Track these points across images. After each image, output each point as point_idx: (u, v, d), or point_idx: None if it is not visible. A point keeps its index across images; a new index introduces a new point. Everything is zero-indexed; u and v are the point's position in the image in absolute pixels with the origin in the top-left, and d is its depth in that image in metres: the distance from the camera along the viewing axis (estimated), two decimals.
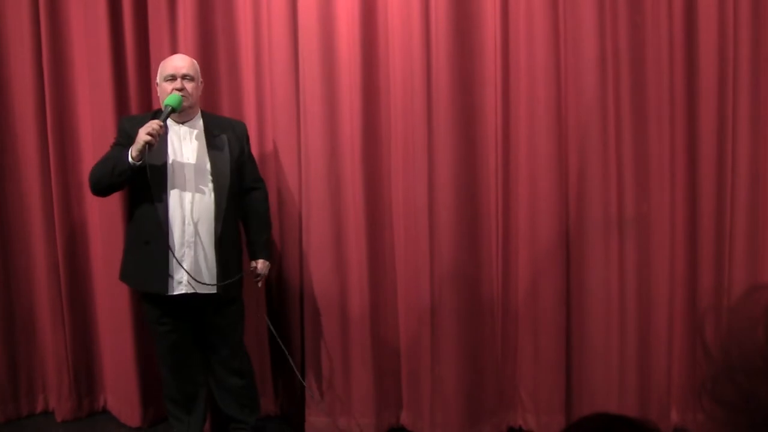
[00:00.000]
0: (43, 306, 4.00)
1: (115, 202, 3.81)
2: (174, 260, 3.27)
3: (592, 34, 3.58)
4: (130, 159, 3.16)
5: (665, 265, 3.68)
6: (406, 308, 3.81)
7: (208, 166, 3.35)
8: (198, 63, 3.66)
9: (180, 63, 3.39)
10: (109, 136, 3.76)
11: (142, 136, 3.13)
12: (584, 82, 3.62)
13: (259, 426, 3.56)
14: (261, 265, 3.50)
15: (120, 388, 3.98)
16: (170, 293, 3.29)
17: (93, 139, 3.88)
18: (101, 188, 3.33)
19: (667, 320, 3.72)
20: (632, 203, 3.64)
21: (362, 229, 3.74)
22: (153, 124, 3.15)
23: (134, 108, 3.84)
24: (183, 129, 3.41)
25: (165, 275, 3.27)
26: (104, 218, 3.89)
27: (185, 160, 3.34)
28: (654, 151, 3.63)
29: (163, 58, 3.73)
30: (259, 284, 3.56)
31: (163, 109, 3.28)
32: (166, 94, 3.32)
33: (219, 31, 3.79)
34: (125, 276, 3.45)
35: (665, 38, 3.61)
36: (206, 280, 3.31)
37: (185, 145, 3.37)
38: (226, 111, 3.81)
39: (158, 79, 3.44)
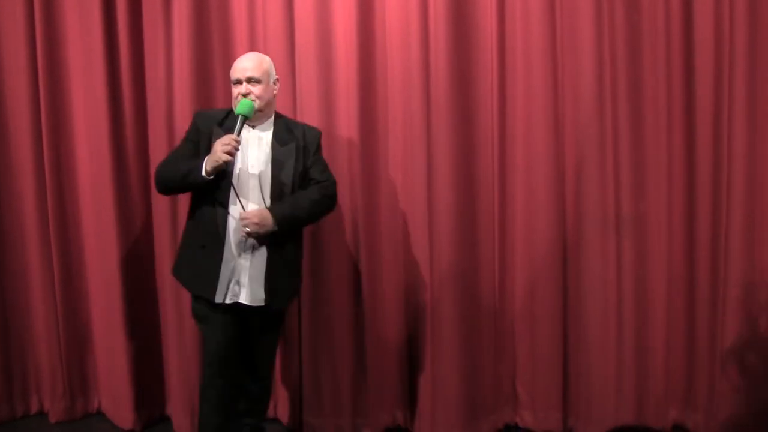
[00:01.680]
0: (37, 306, 3.98)
1: (108, 202, 3.79)
2: (226, 268, 3.13)
3: (589, 34, 3.59)
4: (203, 172, 3.02)
5: (662, 263, 3.69)
6: (404, 307, 3.80)
7: (271, 176, 3.19)
8: (193, 63, 3.66)
9: (245, 64, 3.21)
10: (103, 136, 3.77)
11: (220, 154, 2.98)
12: (581, 82, 3.63)
13: (257, 426, 3.54)
14: (253, 212, 3.12)
15: (113, 390, 3.96)
16: (219, 301, 3.15)
17: (87, 139, 3.86)
18: (167, 189, 3.23)
19: (665, 317, 3.73)
20: (629, 202, 3.65)
21: (359, 228, 3.72)
22: (231, 142, 2.99)
23: (128, 107, 3.82)
24: (252, 133, 3.23)
25: (214, 282, 3.13)
26: (99, 219, 3.87)
27: (250, 168, 3.16)
28: (651, 150, 3.64)
29: (158, 58, 3.76)
30: (245, 229, 3.14)
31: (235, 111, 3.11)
32: (233, 97, 3.19)
33: (214, 30, 3.76)
34: (178, 272, 3.31)
35: (662, 38, 3.62)
36: (258, 292, 3.16)
37: (252, 151, 3.19)
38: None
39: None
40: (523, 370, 3.89)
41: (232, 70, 3.23)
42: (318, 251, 3.74)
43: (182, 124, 3.64)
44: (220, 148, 2.99)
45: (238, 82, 3.18)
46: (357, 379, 3.81)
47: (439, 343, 3.75)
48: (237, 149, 3.01)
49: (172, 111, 3.73)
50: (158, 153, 3.76)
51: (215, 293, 3.13)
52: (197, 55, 3.70)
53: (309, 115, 3.68)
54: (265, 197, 3.17)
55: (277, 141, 3.23)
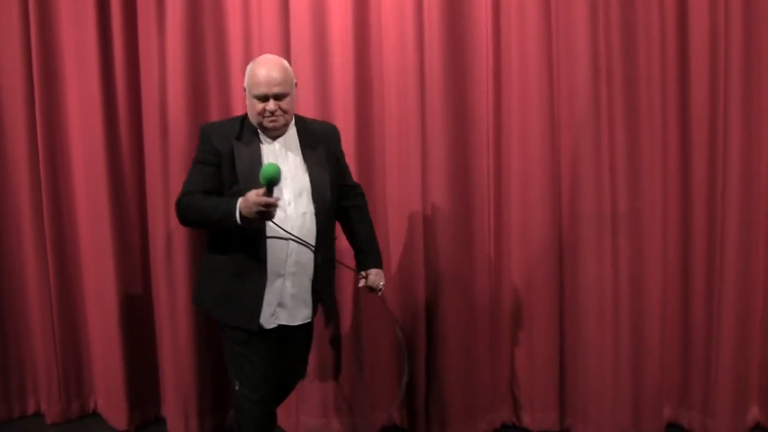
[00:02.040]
0: (32, 307, 3.98)
1: (103, 203, 3.79)
2: (269, 293, 2.94)
3: (584, 32, 3.57)
4: (238, 220, 2.75)
5: (658, 260, 3.68)
6: (400, 307, 3.79)
7: (309, 187, 2.97)
8: (186, 62, 3.64)
9: (273, 76, 2.86)
10: (98, 136, 3.76)
11: (255, 212, 2.70)
12: (577, 79, 3.61)
13: None
14: (374, 276, 3.14)
15: (108, 391, 3.96)
16: (264, 327, 2.97)
17: (82, 138, 3.85)
18: (193, 226, 3.04)
19: (660, 315, 3.72)
20: (625, 200, 3.63)
21: None
22: (270, 210, 2.71)
23: (122, 106, 3.80)
24: (278, 146, 2.97)
25: (257, 310, 2.93)
26: (94, 219, 3.86)
27: (283, 183, 2.88)
28: (646, 148, 3.63)
29: (152, 56, 3.73)
30: (380, 294, 3.19)
31: (261, 182, 2.70)
32: (255, 110, 2.89)
33: (208, 30, 3.73)
34: (207, 304, 3.05)
35: (657, 36, 3.60)
36: (301, 310, 3.02)
37: (283, 165, 2.86)
38: (214, 112, 3.76)
39: (246, 90, 2.93)
40: (520, 369, 3.89)
41: (253, 80, 2.87)
42: None
43: (176, 121, 3.65)
44: (255, 208, 2.70)
45: (264, 98, 2.88)
46: (353, 379, 3.80)
47: (435, 343, 3.74)
48: (274, 215, 2.75)
49: (165, 110, 3.71)
50: (152, 152, 3.76)
51: (258, 322, 2.94)
52: (191, 55, 3.68)
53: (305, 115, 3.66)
54: (305, 211, 2.95)
55: (305, 147, 3.02)
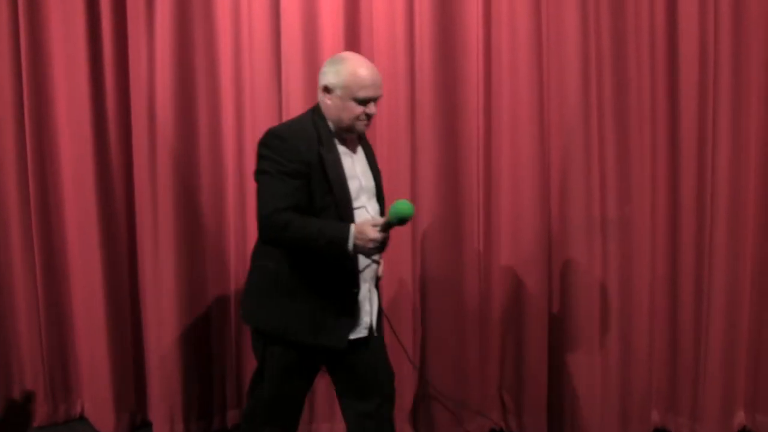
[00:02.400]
0: (19, 310, 3.94)
1: (91, 205, 3.76)
2: (362, 308, 2.82)
3: (574, 39, 3.58)
4: (350, 248, 2.57)
5: (646, 266, 3.71)
6: (389, 312, 3.77)
7: (374, 189, 2.87)
8: (175, 64, 3.62)
9: (377, 78, 2.72)
10: (86, 137, 3.72)
11: (369, 250, 2.56)
12: (567, 85, 3.62)
13: None
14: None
15: (95, 394, 3.93)
16: (349, 340, 2.81)
17: (71, 138, 3.81)
18: (287, 247, 2.68)
19: (648, 321, 3.74)
20: (615, 206, 3.65)
21: None
22: (383, 246, 2.58)
23: (111, 109, 3.77)
24: (347, 150, 2.80)
25: (352, 324, 2.79)
26: (82, 222, 3.83)
27: (363, 186, 2.78)
28: (635, 153, 3.65)
29: (141, 58, 3.70)
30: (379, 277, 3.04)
31: (390, 218, 2.56)
32: (353, 113, 2.69)
33: (197, 32, 3.71)
34: (278, 325, 2.76)
35: (646, 45, 3.63)
36: (374, 319, 2.91)
37: (358, 166, 2.78)
38: (203, 113, 3.74)
39: (338, 90, 2.69)
40: (509, 374, 3.89)
41: (358, 82, 2.67)
42: None
43: (165, 123, 3.63)
44: (372, 244, 2.54)
45: (367, 101, 2.70)
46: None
47: (423, 347, 3.74)
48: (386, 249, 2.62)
49: (154, 111, 3.68)
50: (141, 154, 3.74)
51: (346, 337, 2.79)
52: (180, 57, 3.66)
53: None
54: (374, 206, 2.87)
55: (366, 148, 2.92)
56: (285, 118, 3.62)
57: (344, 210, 2.69)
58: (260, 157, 2.68)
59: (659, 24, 3.64)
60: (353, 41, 3.65)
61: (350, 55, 2.78)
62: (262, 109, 3.70)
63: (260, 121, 3.68)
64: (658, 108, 3.68)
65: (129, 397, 3.91)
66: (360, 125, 2.74)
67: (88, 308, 3.88)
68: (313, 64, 3.61)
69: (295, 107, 3.59)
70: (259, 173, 2.67)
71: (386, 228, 2.55)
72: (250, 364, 3.83)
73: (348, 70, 2.69)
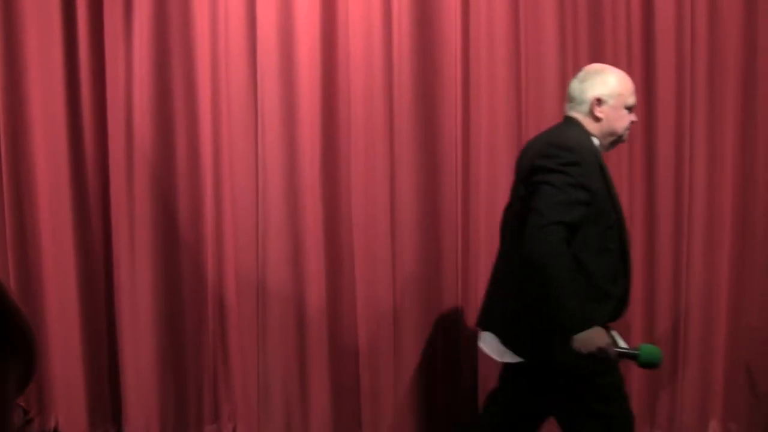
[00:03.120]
0: None
1: (66, 216, 3.71)
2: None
3: (553, 52, 3.63)
4: (573, 333, 2.45)
5: None
6: (365, 318, 3.78)
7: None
8: (153, 73, 3.61)
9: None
10: (62, 145, 3.67)
11: (593, 352, 2.45)
12: (545, 90, 3.67)
13: None
14: None
15: (69, 409, 3.86)
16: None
17: (45, 146, 3.73)
18: (540, 268, 2.47)
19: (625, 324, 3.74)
20: None
21: (321, 243, 3.72)
22: (600, 361, 2.46)
23: (88, 123, 3.72)
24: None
25: None
26: (57, 233, 3.76)
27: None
28: (613, 161, 3.67)
29: (119, 70, 3.66)
30: None
31: (637, 352, 2.48)
32: (624, 122, 2.69)
33: (174, 43, 3.68)
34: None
35: (623, 53, 3.68)
36: None
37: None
38: (180, 123, 3.71)
39: (611, 99, 2.65)
40: (483, 379, 3.82)
41: (629, 89, 2.70)
42: (276, 265, 3.75)
43: (142, 134, 3.61)
44: (596, 352, 2.44)
45: (633, 107, 2.72)
46: (317, 397, 3.78)
47: (402, 354, 3.75)
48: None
49: (131, 121, 3.66)
50: (118, 164, 3.69)
51: None
52: (158, 66, 3.64)
53: (270, 133, 3.67)
54: None
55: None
56: (260, 135, 3.64)
57: (622, 230, 2.66)
58: (544, 168, 2.56)
59: (636, 35, 3.70)
60: (330, 57, 3.66)
61: (605, 65, 2.80)
62: (236, 124, 3.70)
63: (236, 135, 3.70)
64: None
65: (104, 410, 3.85)
66: (626, 134, 2.75)
67: (62, 321, 3.81)
68: (289, 71, 3.63)
69: (270, 128, 3.62)
70: (542, 183, 2.54)
71: (622, 355, 2.46)
72: (227, 378, 3.83)
73: (616, 78, 2.68)
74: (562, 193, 2.47)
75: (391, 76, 3.64)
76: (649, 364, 2.47)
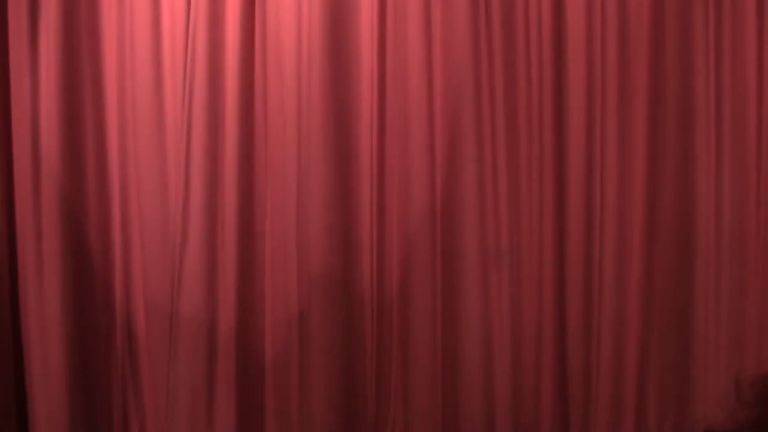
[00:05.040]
0: None
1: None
2: None
3: (468, 62, 3.74)
4: None
5: (534, 296, 3.87)
6: (273, 322, 3.79)
7: None
8: (61, 87, 3.57)
9: None
10: None
11: None
12: (460, 112, 3.77)
13: None
14: None
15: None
16: None
17: None
18: None
19: (535, 347, 3.89)
20: (505, 235, 3.82)
21: (233, 263, 3.74)
22: None
23: None
24: None
25: None
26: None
27: None
28: (525, 188, 3.83)
29: (24, 80, 3.57)
30: None
31: None
32: None
33: (84, 63, 3.65)
34: None
35: (536, 54, 3.82)
36: None
37: None
38: (90, 138, 3.67)
39: None
40: (400, 382, 3.90)
41: None
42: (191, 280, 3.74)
43: (49, 154, 3.58)
44: None
45: None
46: (223, 406, 3.77)
47: (311, 355, 3.78)
48: None
49: (38, 141, 3.62)
50: (22, 177, 3.61)
51: None
52: (66, 78, 3.62)
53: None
54: None
55: None
56: (169, 141, 3.68)
57: None
58: None
59: (546, 49, 3.81)
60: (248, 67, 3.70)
61: None
62: (144, 129, 3.73)
63: (142, 149, 3.73)
64: (545, 151, 3.82)
65: (9, 422, 3.71)
66: None
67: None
68: (215, 84, 3.67)
69: (179, 127, 3.64)
70: None
71: None
72: (136, 396, 3.75)
73: None
74: None
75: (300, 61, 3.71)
76: None
